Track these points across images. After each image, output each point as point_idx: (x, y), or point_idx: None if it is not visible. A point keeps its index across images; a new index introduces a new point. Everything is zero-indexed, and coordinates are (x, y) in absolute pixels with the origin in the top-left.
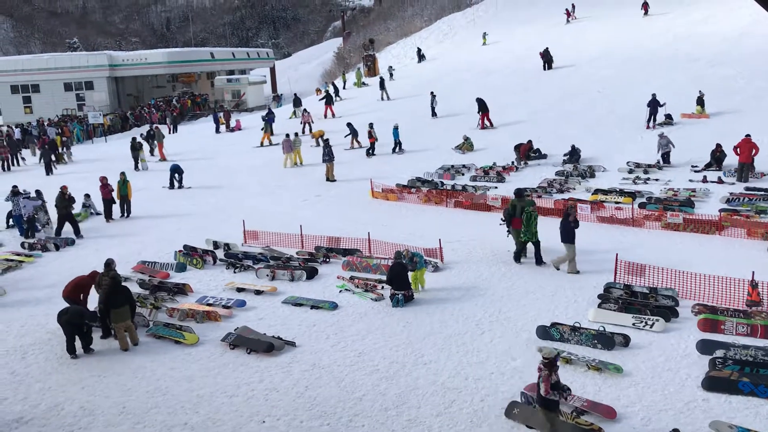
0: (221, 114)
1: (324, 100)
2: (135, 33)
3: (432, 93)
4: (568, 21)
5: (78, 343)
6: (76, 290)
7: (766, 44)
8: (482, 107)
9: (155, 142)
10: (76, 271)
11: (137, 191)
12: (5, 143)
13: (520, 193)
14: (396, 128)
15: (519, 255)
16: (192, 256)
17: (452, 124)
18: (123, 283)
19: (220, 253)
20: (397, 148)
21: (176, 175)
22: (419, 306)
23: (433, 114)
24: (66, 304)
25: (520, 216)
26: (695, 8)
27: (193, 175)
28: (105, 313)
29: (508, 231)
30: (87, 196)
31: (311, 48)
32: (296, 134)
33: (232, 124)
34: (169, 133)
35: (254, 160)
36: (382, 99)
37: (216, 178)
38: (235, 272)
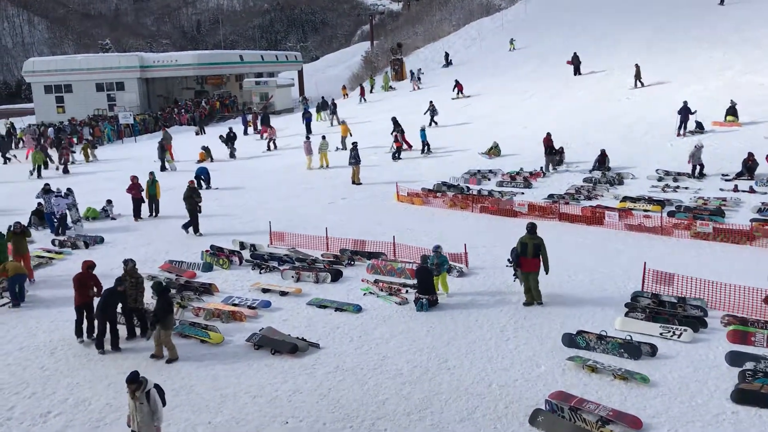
0: (250, 116)
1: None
2: (166, 35)
3: (431, 102)
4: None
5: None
6: (83, 292)
7: None
8: (397, 127)
9: (233, 145)
10: (104, 269)
11: (165, 191)
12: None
13: (533, 228)
14: (423, 130)
15: (532, 302)
16: (218, 256)
17: (478, 129)
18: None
19: (246, 254)
20: (425, 149)
21: (202, 176)
22: (443, 311)
23: (431, 123)
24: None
25: (532, 256)
26: (726, 17)
27: (221, 176)
28: (130, 314)
29: (515, 275)
30: (109, 201)
31: (339, 51)
32: (323, 137)
33: (259, 128)
34: (197, 134)
35: (281, 161)
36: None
37: (243, 179)
38: (260, 273)
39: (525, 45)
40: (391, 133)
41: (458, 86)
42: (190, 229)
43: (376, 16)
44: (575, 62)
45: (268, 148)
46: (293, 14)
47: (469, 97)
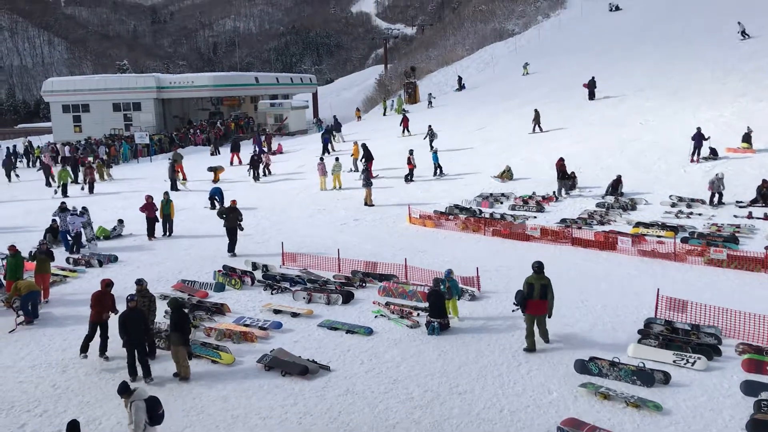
0: (264, 137)
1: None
2: (182, 56)
3: (429, 126)
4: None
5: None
6: (99, 310)
7: None
8: (368, 156)
9: (255, 170)
10: (118, 287)
11: (179, 211)
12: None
13: (540, 268)
14: (435, 152)
15: (533, 349)
16: (231, 276)
17: (491, 152)
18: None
19: (258, 275)
20: (438, 171)
21: (216, 197)
22: (455, 335)
23: (431, 147)
24: (97, 330)
25: (539, 298)
26: (740, 46)
27: (234, 196)
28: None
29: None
30: (120, 221)
31: (353, 74)
32: (336, 159)
33: (274, 147)
34: (212, 155)
35: (294, 182)
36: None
37: (256, 199)
38: (272, 294)
39: (538, 70)
40: (360, 160)
41: (404, 122)
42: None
43: (390, 40)
44: (591, 86)
45: (264, 174)
46: (308, 37)
47: (414, 135)
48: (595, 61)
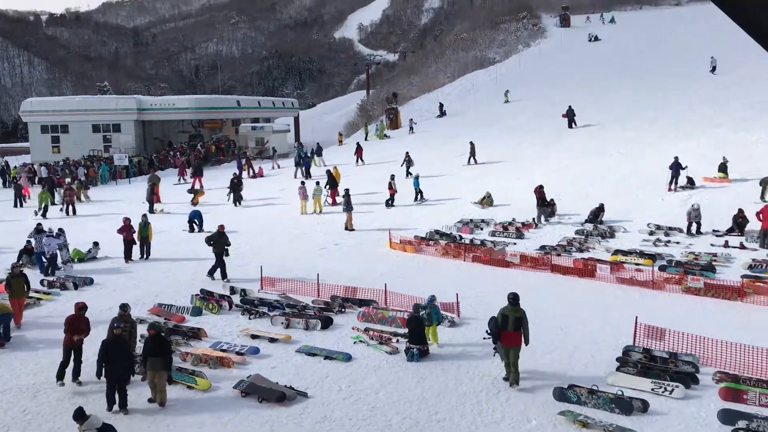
0: (244, 160)
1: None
2: (164, 79)
3: (407, 153)
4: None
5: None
6: (73, 334)
7: None
8: (332, 182)
9: (235, 193)
10: (93, 310)
11: (157, 234)
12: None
13: (515, 299)
14: (417, 178)
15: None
16: (208, 300)
17: (471, 178)
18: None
19: (236, 299)
20: (419, 197)
21: (195, 221)
22: (434, 361)
23: (407, 174)
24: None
25: (514, 329)
26: (715, 78)
27: (214, 219)
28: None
29: (494, 349)
30: (95, 243)
31: (335, 99)
32: (317, 183)
33: (255, 170)
34: (192, 177)
35: (274, 206)
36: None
37: (236, 223)
38: (250, 318)
39: (519, 98)
40: (325, 187)
41: (358, 152)
42: (216, 274)
43: (373, 65)
44: (570, 115)
45: (235, 203)
46: (291, 62)
47: (367, 164)
48: (575, 90)
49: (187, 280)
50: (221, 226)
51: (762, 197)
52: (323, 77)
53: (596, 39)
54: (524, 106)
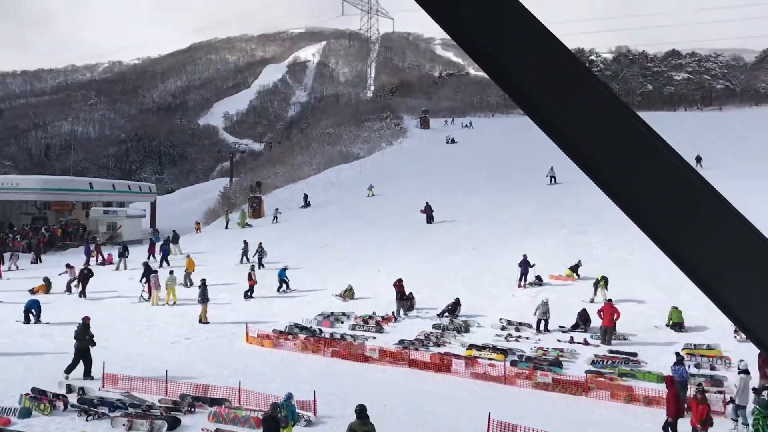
0: (93, 246)
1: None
2: (10, 157)
3: (245, 242)
4: None
5: None
6: None
7: (623, 217)
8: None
9: (84, 284)
10: None
11: None
12: None
13: (362, 412)
14: (284, 269)
15: None
16: (40, 400)
17: (334, 270)
18: None
19: (72, 398)
20: (284, 287)
21: (32, 311)
22: None
23: (260, 266)
24: None
25: None
26: (560, 181)
27: (52, 311)
28: None
29: None
30: None
31: (197, 185)
32: (171, 272)
33: (105, 257)
34: (32, 263)
35: (124, 296)
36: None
37: (80, 314)
38: (87, 420)
39: (382, 192)
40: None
41: (150, 248)
42: (77, 371)
43: (237, 154)
44: (428, 211)
45: (69, 290)
46: (151, 146)
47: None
48: (434, 187)
49: (19, 378)
50: (86, 318)
51: (593, 298)
52: (185, 163)
53: (453, 141)
54: (386, 200)
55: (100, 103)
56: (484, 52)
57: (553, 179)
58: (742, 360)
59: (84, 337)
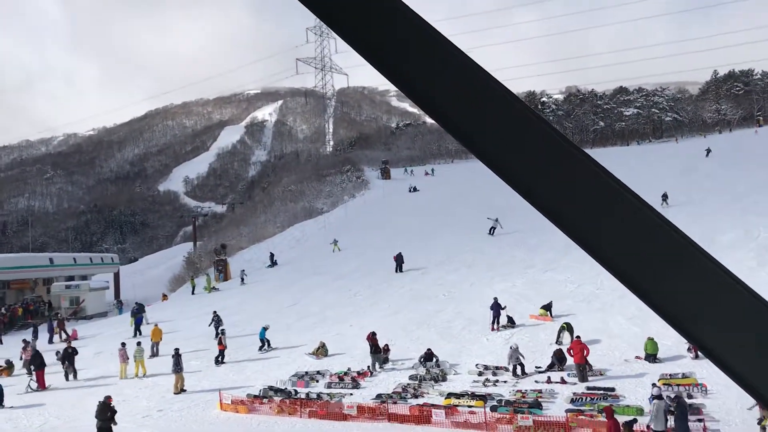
0: (56, 322)
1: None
2: None
3: (215, 312)
4: None
5: None
6: None
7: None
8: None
9: (73, 363)
10: None
11: None
12: None
13: None
14: (265, 329)
15: None
16: None
17: (305, 328)
18: None
19: None
20: (266, 346)
21: None
22: None
23: (217, 335)
24: None
25: None
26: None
27: (11, 394)
28: None
29: None
30: None
31: (159, 252)
32: (138, 343)
33: (69, 333)
34: None
35: (90, 371)
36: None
37: (43, 394)
38: None
39: (347, 245)
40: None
41: (59, 325)
42: None
43: (200, 217)
44: (398, 261)
45: (29, 372)
46: (111, 215)
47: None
48: (399, 236)
49: None
50: (109, 398)
51: (557, 340)
52: (147, 230)
53: (415, 190)
54: (352, 254)
55: (56, 176)
56: (426, 97)
57: (493, 230)
58: (654, 385)
59: (106, 416)
